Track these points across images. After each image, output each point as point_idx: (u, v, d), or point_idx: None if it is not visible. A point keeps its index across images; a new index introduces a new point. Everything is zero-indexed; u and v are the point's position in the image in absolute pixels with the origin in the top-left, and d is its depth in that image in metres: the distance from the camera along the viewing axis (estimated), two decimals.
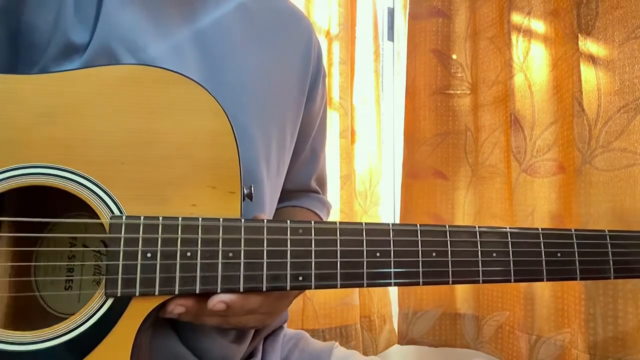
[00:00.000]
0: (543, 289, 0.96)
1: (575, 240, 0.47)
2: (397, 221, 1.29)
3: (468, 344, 1.12)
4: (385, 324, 1.18)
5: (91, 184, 0.39)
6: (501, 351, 1.04)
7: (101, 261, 0.44)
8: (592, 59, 0.85)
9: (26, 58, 0.44)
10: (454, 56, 1.17)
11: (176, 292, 0.38)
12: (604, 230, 0.48)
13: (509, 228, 0.45)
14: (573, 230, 0.47)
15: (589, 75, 0.85)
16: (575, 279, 0.46)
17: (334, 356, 0.62)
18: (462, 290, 1.14)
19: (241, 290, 0.39)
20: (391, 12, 1.38)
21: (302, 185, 0.68)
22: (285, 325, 0.66)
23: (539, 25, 0.99)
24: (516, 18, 1.02)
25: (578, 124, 0.86)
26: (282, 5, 0.63)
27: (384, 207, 1.22)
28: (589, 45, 0.86)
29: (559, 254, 0.46)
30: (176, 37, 0.49)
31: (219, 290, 0.39)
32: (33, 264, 0.44)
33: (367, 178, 1.19)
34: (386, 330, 1.17)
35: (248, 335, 0.53)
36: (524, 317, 0.98)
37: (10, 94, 0.39)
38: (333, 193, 1.10)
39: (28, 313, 0.44)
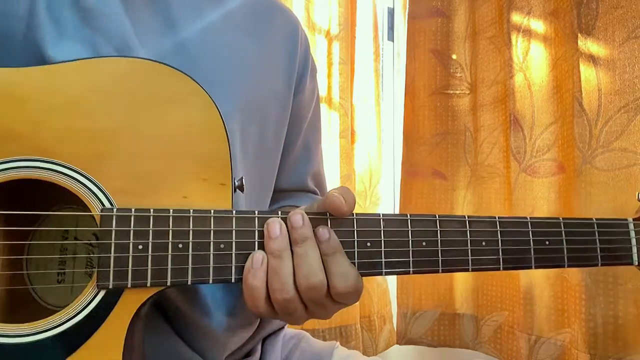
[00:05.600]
0: (542, 289, 0.95)
1: (563, 229, 0.47)
2: None
3: (467, 344, 1.12)
4: (385, 324, 1.17)
5: (81, 177, 0.39)
6: (500, 351, 1.04)
7: (93, 253, 0.44)
8: (592, 59, 0.85)
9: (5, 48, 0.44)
10: (454, 56, 1.17)
11: (168, 284, 0.38)
12: (591, 219, 0.49)
13: (498, 217, 0.45)
14: (561, 218, 0.47)
15: (589, 75, 0.85)
16: (563, 266, 0.47)
17: (335, 356, 0.62)
18: (461, 291, 1.14)
19: (232, 281, 0.39)
20: (391, 12, 1.39)
21: (298, 184, 0.67)
22: (286, 325, 0.65)
23: (538, 25, 0.99)
24: (516, 18, 1.02)
25: (578, 123, 0.86)
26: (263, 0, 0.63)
27: (384, 207, 1.22)
28: (589, 45, 0.86)
29: (547, 242, 0.46)
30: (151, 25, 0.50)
31: (210, 282, 0.39)
32: (25, 257, 0.44)
33: (367, 178, 1.19)
34: (386, 331, 1.17)
35: (245, 329, 0.53)
36: (523, 317, 0.97)
37: None
38: None
39: (22, 307, 0.44)
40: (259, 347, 0.60)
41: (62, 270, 0.44)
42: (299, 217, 0.40)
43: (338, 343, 0.65)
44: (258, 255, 0.39)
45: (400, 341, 1.16)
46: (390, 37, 1.39)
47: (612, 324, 0.81)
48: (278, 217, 0.40)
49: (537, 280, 0.96)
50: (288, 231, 0.40)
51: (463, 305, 1.13)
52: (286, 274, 0.39)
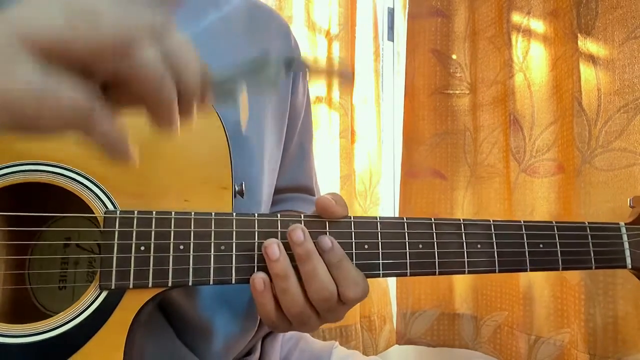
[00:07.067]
0: (542, 289, 0.95)
1: (556, 232, 0.48)
2: None
3: (466, 344, 1.12)
4: (385, 324, 1.17)
5: (84, 180, 0.39)
6: (500, 351, 1.04)
7: (94, 262, 0.45)
8: (591, 59, 0.85)
9: None
10: (454, 56, 1.17)
11: (169, 285, 0.39)
12: (584, 222, 0.49)
13: (493, 220, 0.45)
14: (554, 222, 0.48)
15: (588, 75, 0.85)
16: (558, 269, 0.47)
17: (335, 356, 0.62)
18: (460, 291, 1.14)
19: (233, 282, 0.40)
20: (391, 12, 1.38)
21: (294, 182, 0.68)
22: None
23: (538, 25, 0.99)
24: (515, 18, 1.02)
25: (578, 123, 0.86)
26: (257, 4, 0.64)
27: (384, 207, 1.22)
28: (588, 45, 0.86)
29: (541, 245, 0.47)
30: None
31: (211, 283, 0.39)
32: (27, 271, 0.44)
33: (366, 178, 1.19)
34: (386, 331, 1.17)
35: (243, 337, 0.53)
36: (523, 317, 0.97)
37: None
38: None
39: (22, 313, 0.44)
40: (259, 346, 0.60)
41: (64, 277, 0.45)
42: (299, 232, 0.39)
43: (337, 343, 0.66)
44: (258, 281, 0.39)
45: (400, 341, 1.16)
46: (390, 37, 1.39)
47: (611, 324, 0.81)
48: (276, 241, 0.40)
49: (537, 280, 0.96)
50: (287, 247, 0.40)
51: (463, 305, 1.13)
52: (295, 291, 0.39)
